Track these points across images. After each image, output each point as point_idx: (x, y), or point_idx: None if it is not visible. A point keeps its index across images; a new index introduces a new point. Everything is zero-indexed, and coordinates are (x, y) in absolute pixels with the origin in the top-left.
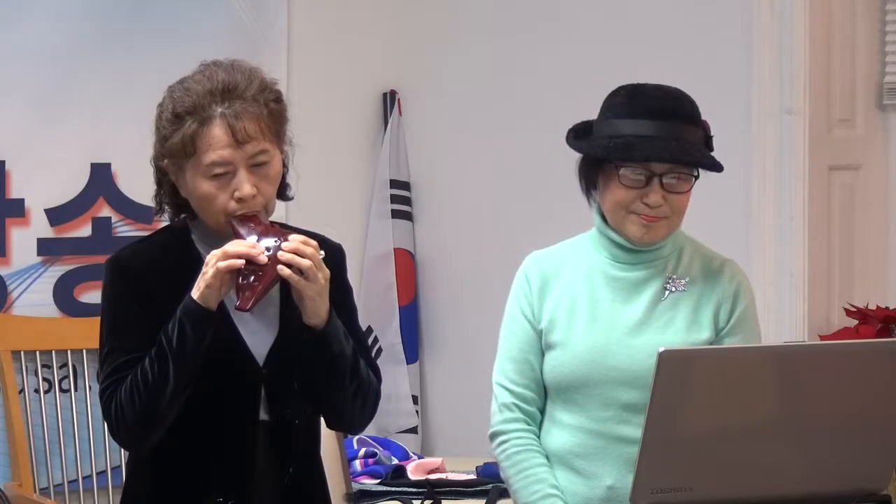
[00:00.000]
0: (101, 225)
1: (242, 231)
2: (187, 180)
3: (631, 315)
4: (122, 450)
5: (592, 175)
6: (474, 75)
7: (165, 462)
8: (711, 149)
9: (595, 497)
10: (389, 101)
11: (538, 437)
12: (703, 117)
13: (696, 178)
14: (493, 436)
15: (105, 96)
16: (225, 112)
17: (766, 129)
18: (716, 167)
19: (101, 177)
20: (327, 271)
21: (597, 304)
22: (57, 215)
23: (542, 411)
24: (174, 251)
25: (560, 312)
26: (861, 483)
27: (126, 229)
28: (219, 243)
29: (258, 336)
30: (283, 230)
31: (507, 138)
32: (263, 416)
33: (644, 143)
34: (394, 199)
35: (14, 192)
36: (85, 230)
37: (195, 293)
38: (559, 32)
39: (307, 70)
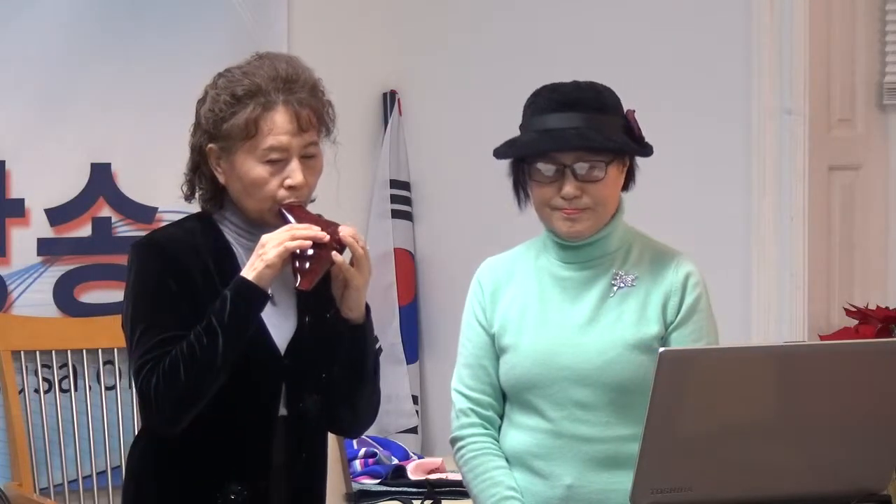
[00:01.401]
0: (101, 225)
1: (292, 219)
2: (237, 164)
3: (579, 314)
4: (123, 449)
5: (520, 181)
6: (474, 75)
7: (183, 453)
8: (635, 138)
9: (555, 496)
10: (389, 101)
11: (496, 440)
12: (704, 117)
13: (613, 163)
14: (452, 442)
15: (105, 96)
16: (289, 99)
17: (766, 129)
18: (625, 149)
19: (101, 177)
20: (371, 265)
21: (546, 306)
22: (57, 215)
23: (502, 415)
24: (205, 237)
25: (511, 316)
26: (861, 483)
27: (126, 229)
28: (251, 233)
29: (279, 328)
30: (330, 222)
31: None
32: (282, 410)
33: (544, 137)
34: (394, 199)
35: (14, 192)
36: (85, 230)
37: (250, 273)
38: (559, 33)
39: None
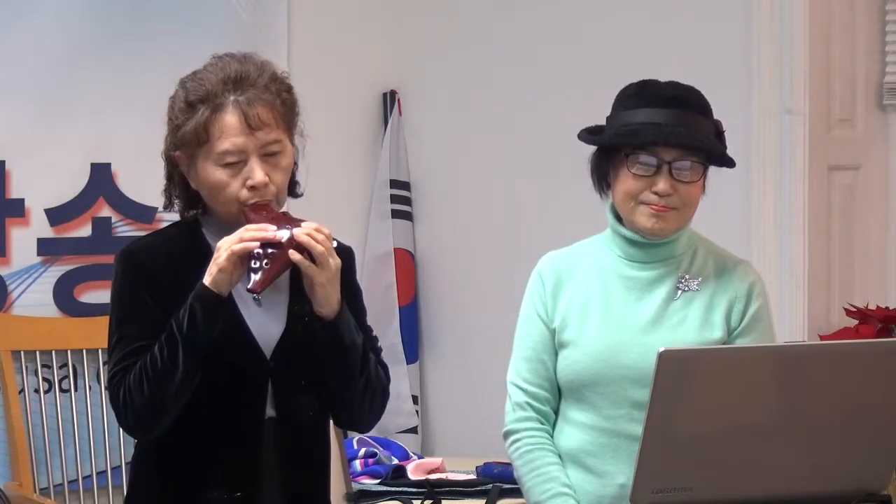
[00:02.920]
0: (101, 225)
1: (254, 218)
2: (199, 169)
3: (643, 314)
4: (123, 449)
5: (604, 169)
6: (474, 75)
7: (172, 456)
8: (724, 144)
9: (607, 495)
10: (389, 101)
11: (551, 435)
12: None
13: (706, 167)
14: (507, 434)
15: (105, 96)
16: (238, 99)
17: (766, 129)
18: (725, 159)
19: (101, 177)
20: (338, 260)
21: (609, 303)
22: (57, 215)
23: (557, 411)
24: (185, 244)
25: (573, 311)
26: (861, 483)
27: (126, 229)
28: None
29: (266, 329)
30: (294, 219)
31: (507, 138)
32: (270, 411)
33: (651, 129)
34: (394, 199)
35: (14, 192)
36: (85, 230)
37: (207, 279)
38: (559, 33)
39: (307, 70)
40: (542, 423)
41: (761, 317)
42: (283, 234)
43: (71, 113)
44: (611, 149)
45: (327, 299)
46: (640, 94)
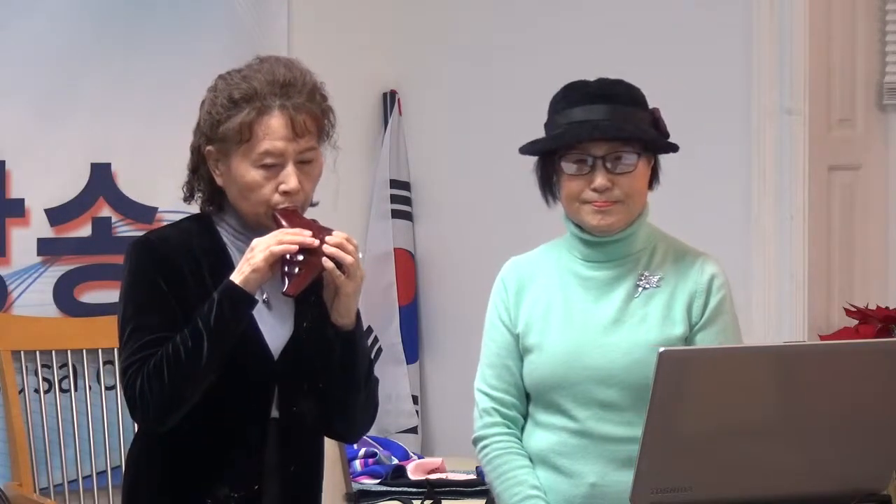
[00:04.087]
0: (101, 225)
1: (286, 223)
2: (233, 167)
3: (604, 314)
4: (123, 449)
5: (548, 176)
6: (474, 76)
7: (175, 455)
8: (663, 132)
9: (578, 495)
10: (389, 101)
11: (520, 439)
12: (704, 117)
13: (643, 157)
14: (475, 441)
15: (105, 96)
16: (285, 104)
17: (766, 129)
18: (661, 145)
19: (101, 177)
20: (364, 271)
21: (571, 306)
22: (57, 215)
23: (526, 414)
24: (200, 240)
25: (535, 316)
26: (861, 483)
27: (126, 229)
28: (248, 236)
29: (274, 332)
30: (323, 227)
31: (507, 138)
32: (274, 413)
33: (577, 127)
34: (394, 199)
35: (14, 192)
36: (85, 230)
37: (237, 277)
38: (559, 32)
39: None
40: (509, 428)
41: (723, 309)
42: (316, 242)
43: (71, 113)
44: (547, 155)
45: (349, 309)
46: (566, 97)
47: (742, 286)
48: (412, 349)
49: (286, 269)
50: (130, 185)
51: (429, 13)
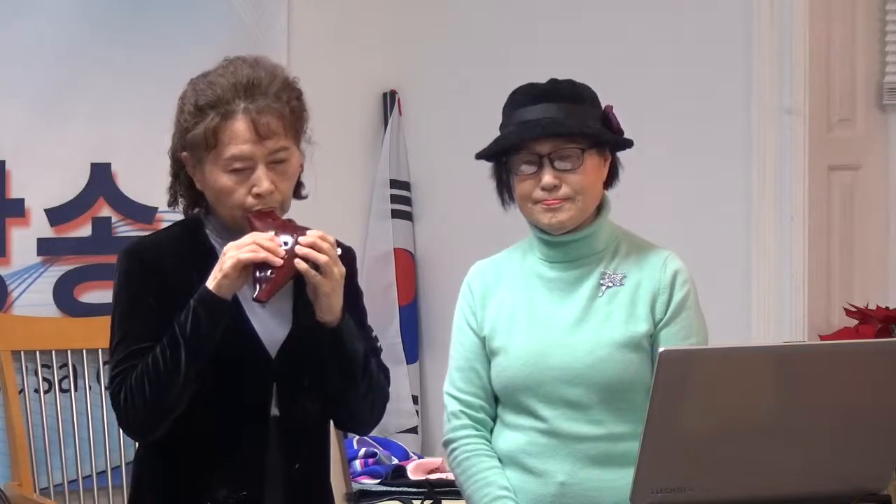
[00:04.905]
0: (101, 225)
1: (259, 226)
2: (206, 173)
3: (568, 314)
4: (123, 449)
5: (503, 181)
6: (474, 75)
7: (178, 456)
8: (614, 129)
9: (548, 493)
10: (389, 101)
11: (489, 441)
12: (704, 117)
13: (589, 153)
14: (445, 444)
15: (105, 96)
16: (248, 107)
17: (766, 129)
18: (603, 139)
19: (101, 177)
20: (342, 268)
21: (535, 307)
22: (57, 215)
23: (495, 416)
24: (189, 244)
25: (501, 319)
26: (861, 483)
27: (126, 229)
28: (233, 237)
29: (271, 331)
30: (299, 227)
31: None
32: (274, 411)
33: (519, 128)
34: (394, 199)
35: (14, 192)
36: (85, 230)
37: (211, 283)
38: (559, 32)
39: (307, 70)
40: (478, 430)
41: (686, 305)
42: (289, 243)
43: (71, 113)
44: (500, 157)
45: (331, 307)
46: (513, 99)
47: (742, 286)
48: (412, 349)
49: (258, 273)
50: (130, 185)
51: (429, 13)
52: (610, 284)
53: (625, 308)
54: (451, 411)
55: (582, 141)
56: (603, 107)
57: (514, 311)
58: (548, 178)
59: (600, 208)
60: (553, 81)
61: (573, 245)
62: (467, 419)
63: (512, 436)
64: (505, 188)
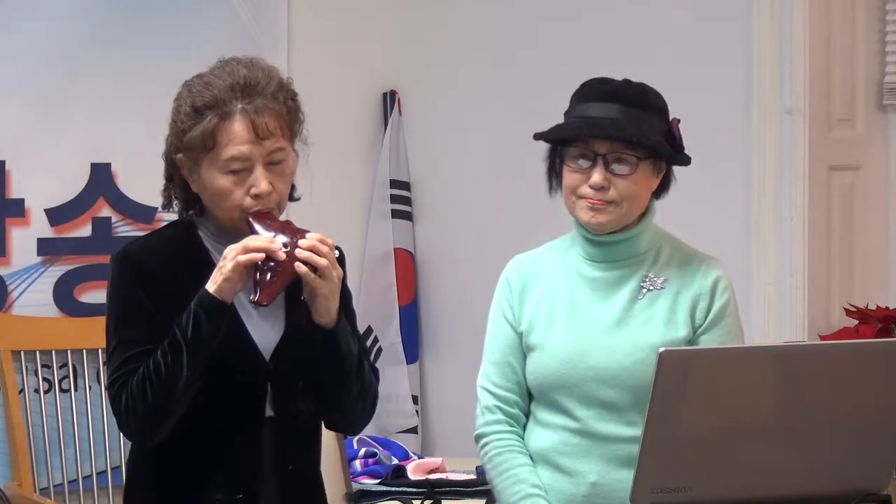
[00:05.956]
0: (101, 225)
1: (259, 227)
2: (203, 175)
3: (608, 315)
4: (123, 449)
5: (555, 168)
6: (474, 75)
7: (171, 457)
8: (675, 145)
9: (579, 493)
10: (389, 101)
11: (521, 437)
12: (704, 117)
13: (645, 162)
14: (477, 438)
15: (105, 96)
16: (246, 108)
17: (766, 129)
18: (661, 151)
19: (101, 177)
20: (340, 270)
21: (575, 305)
22: (57, 215)
23: (528, 413)
24: (182, 246)
25: (539, 314)
26: (861, 483)
27: (126, 229)
28: (226, 239)
29: (265, 332)
30: (298, 229)
31: (508, 138)
32: (269, 412)
33: (581, 122)
34: (394, 199)
35: (14, 192)
36: (85, 230)
37: (211, 286)
38: (559, 32)
39: (307, 70)
40: (511, 426)
41: (727, 313)
42: (288, 245)
43: (71, 113)
44: (557, 144)
45: (328, 309)
46: (581, 91)
47: (742, 286)
48: (412, 349)
49: (258, 276)
50: (130, 185)
51: (429, 13)
52: (651, 288)
53: (664, 312)
54: (486, 405)
55: (640, 150)
56: (671, 118)
57: (553, 307)
58: (597, 177)
59: (644, 212)
60: (625, 83)
61: (616, 246)
62: (501, 414)
63: (544, 434)
64: (555, 175)
